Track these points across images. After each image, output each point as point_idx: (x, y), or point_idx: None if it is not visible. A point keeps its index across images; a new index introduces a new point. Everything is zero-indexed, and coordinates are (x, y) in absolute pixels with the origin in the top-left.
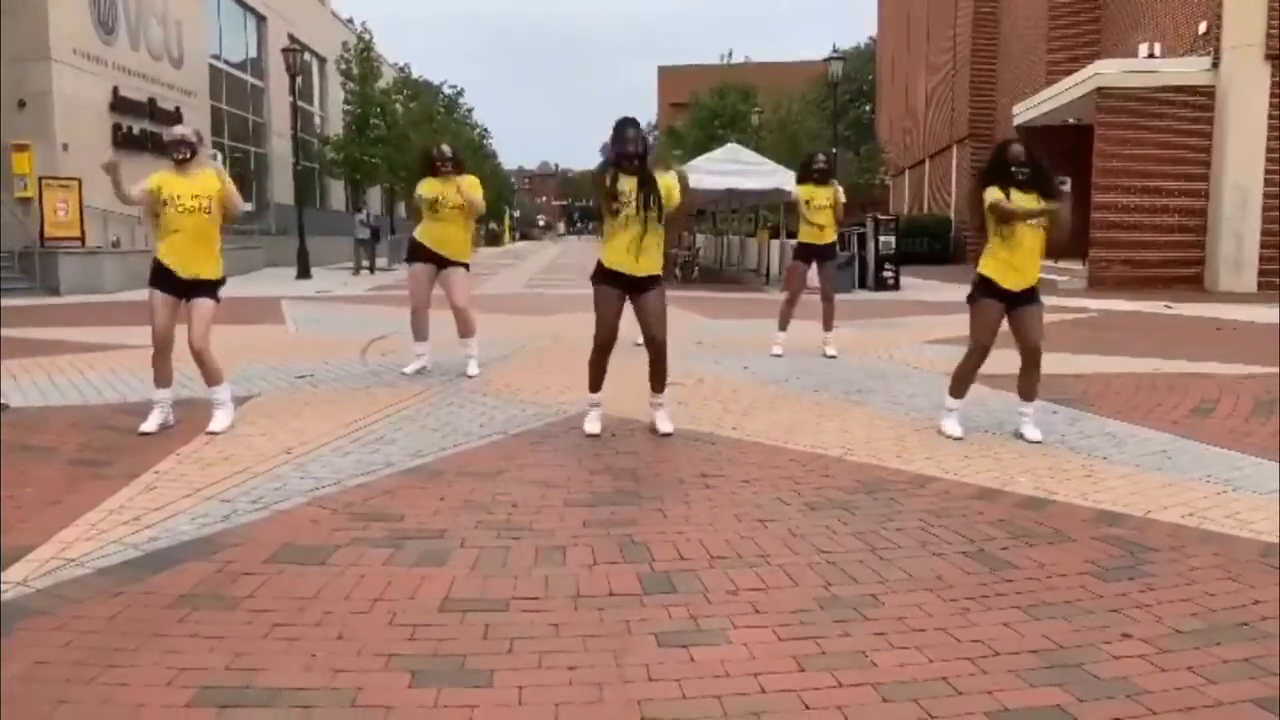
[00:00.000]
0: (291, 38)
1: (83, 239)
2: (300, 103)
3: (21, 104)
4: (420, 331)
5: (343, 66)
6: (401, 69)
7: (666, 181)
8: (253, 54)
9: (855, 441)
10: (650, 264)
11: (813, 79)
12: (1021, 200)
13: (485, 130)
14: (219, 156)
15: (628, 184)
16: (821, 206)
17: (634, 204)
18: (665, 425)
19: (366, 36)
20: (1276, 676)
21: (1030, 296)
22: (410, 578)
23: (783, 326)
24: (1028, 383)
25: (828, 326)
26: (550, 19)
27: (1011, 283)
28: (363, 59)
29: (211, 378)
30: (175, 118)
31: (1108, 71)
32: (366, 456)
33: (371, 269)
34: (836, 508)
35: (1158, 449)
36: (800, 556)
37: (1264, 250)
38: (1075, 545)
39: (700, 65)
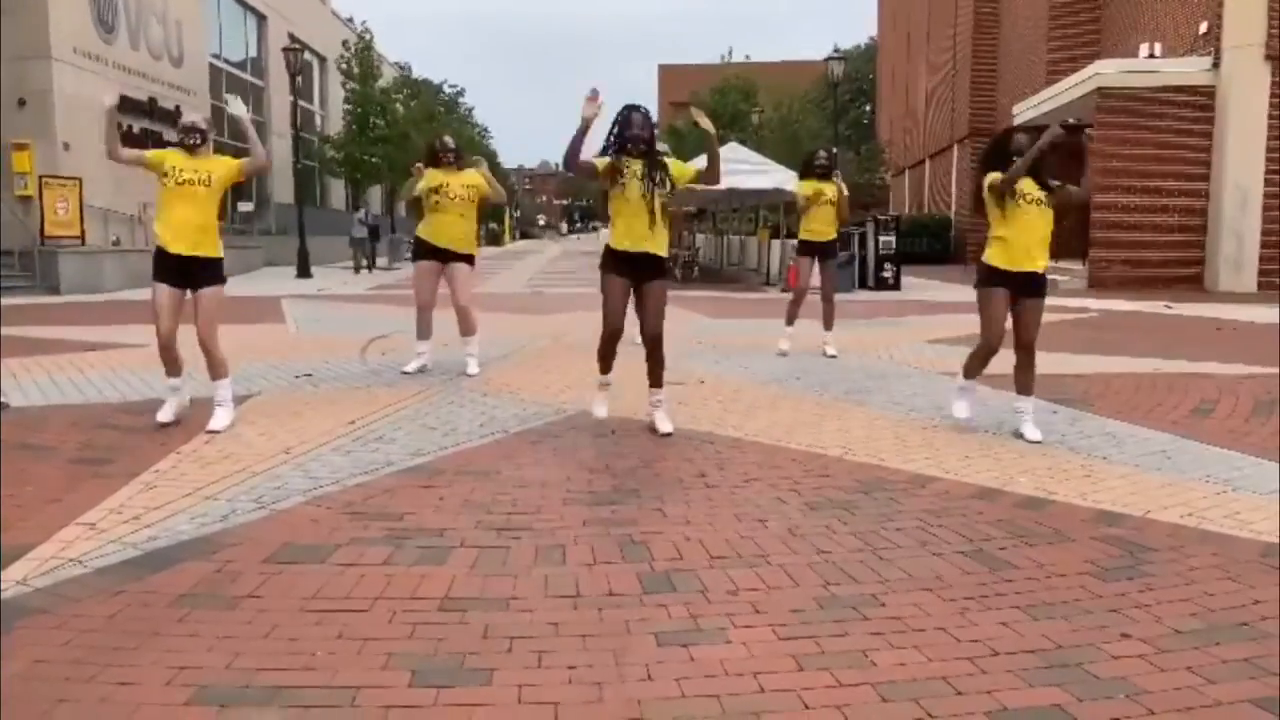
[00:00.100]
0: (292, 37)
1: (83, 238)
2: (300, 102)
3: (22, 103)
4: (423, 330)
5: (343, 66)
6: (402, 68)
7: (676, 164)
8: (253, 53)
9: (855, 441)
10: (658, 244)
11: (813, 79)
12: (1023, 184)
13: (485, 129)
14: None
15: (634, 164)
16: (824, 203)
17: (640, 184)
18: (665, 425)
19: (367, 36)
20: (1275, 676)
21: (1035, 289)
22: (410, 577)
23: (790, 322)
24: (1023, 378)
25: (828, 326)
26: (550, 19)
27: (1014, 262)
28: (363, 58)
29: (216, 370)
30: (175, 117)
31: (1108, 71)
32: (366, 456)
33: (370, 267)
34: (836, 507)
35: (1157, 449)
36: (800, 556)
37: (1264, 250)
38: (1075, 545)
39: (701, 65)
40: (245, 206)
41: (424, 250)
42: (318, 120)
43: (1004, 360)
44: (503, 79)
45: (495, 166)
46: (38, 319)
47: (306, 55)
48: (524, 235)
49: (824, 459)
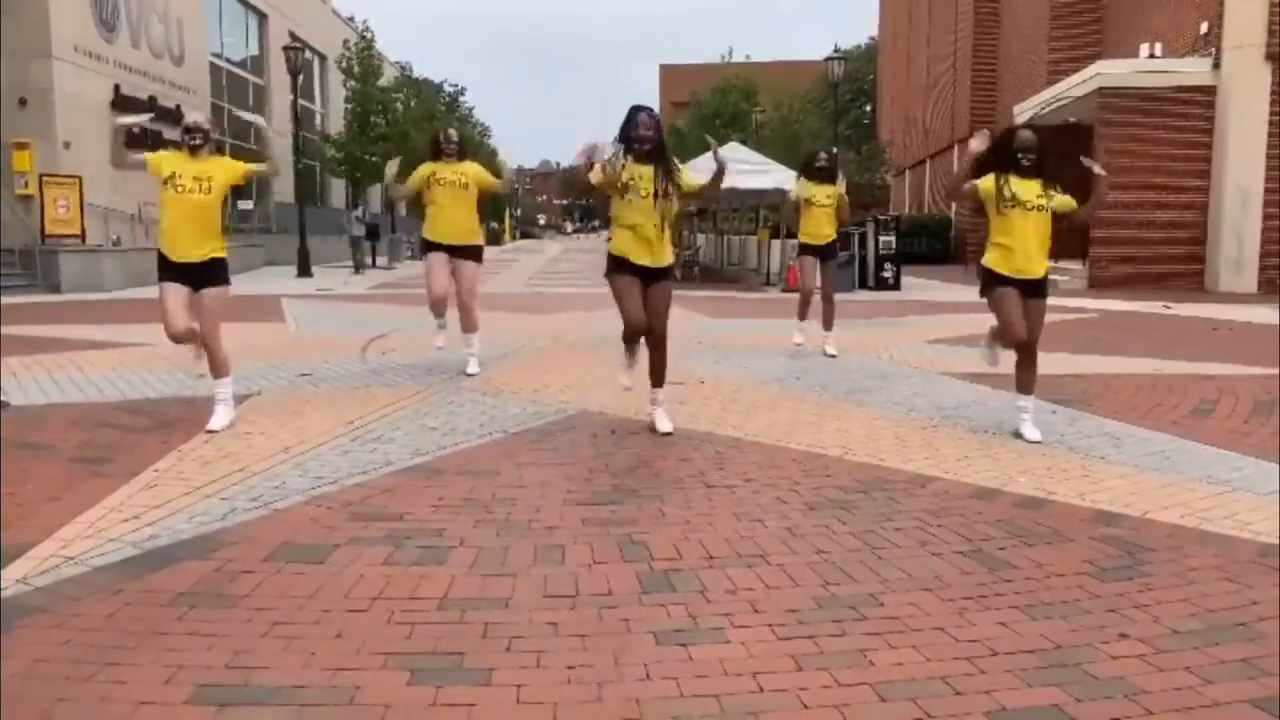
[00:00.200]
0: (293, 35)
1: (83, 236)
2: (301, 100)
3: (23, 101)
4: (439, 311)
5: (344, 64)
6: (403, 67)
7: (685, 174)
8: (254, 52)
9: (855, 441)
10: (666, 255)
11: (814, 78)
12: (1022, 189)
13: (486, 128)
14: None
15: (642, 170)
16: (823, 206)
17: (651, 198)
18: (665, 424)
19: (368, 35)
20: (1273, 677)
21: (1037, 290)
22: (409, 576)
23: (802, 317)
24: (1024, 377)
25: (828, 326)
26: (550, 18)
27: (1014, 269)
28: (364, 57)
29: (217, 370)
30: (176, 116)
31: (1109, 71)
32: (366, 455)
33: (373, 263)
34: (836, 507)
35: (1156, 449)
36: (799, 556)
37: (1264, 251)
38: (1073, 545)
39: (701, 64)
40: (245, 204)
41: (430, 245)
42: (318, 119)
43: (1004, 361)
44: (503, 79)
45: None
46: (38, 318)
47: (307, 54)
48: (524, 235)
49: (824, 459)
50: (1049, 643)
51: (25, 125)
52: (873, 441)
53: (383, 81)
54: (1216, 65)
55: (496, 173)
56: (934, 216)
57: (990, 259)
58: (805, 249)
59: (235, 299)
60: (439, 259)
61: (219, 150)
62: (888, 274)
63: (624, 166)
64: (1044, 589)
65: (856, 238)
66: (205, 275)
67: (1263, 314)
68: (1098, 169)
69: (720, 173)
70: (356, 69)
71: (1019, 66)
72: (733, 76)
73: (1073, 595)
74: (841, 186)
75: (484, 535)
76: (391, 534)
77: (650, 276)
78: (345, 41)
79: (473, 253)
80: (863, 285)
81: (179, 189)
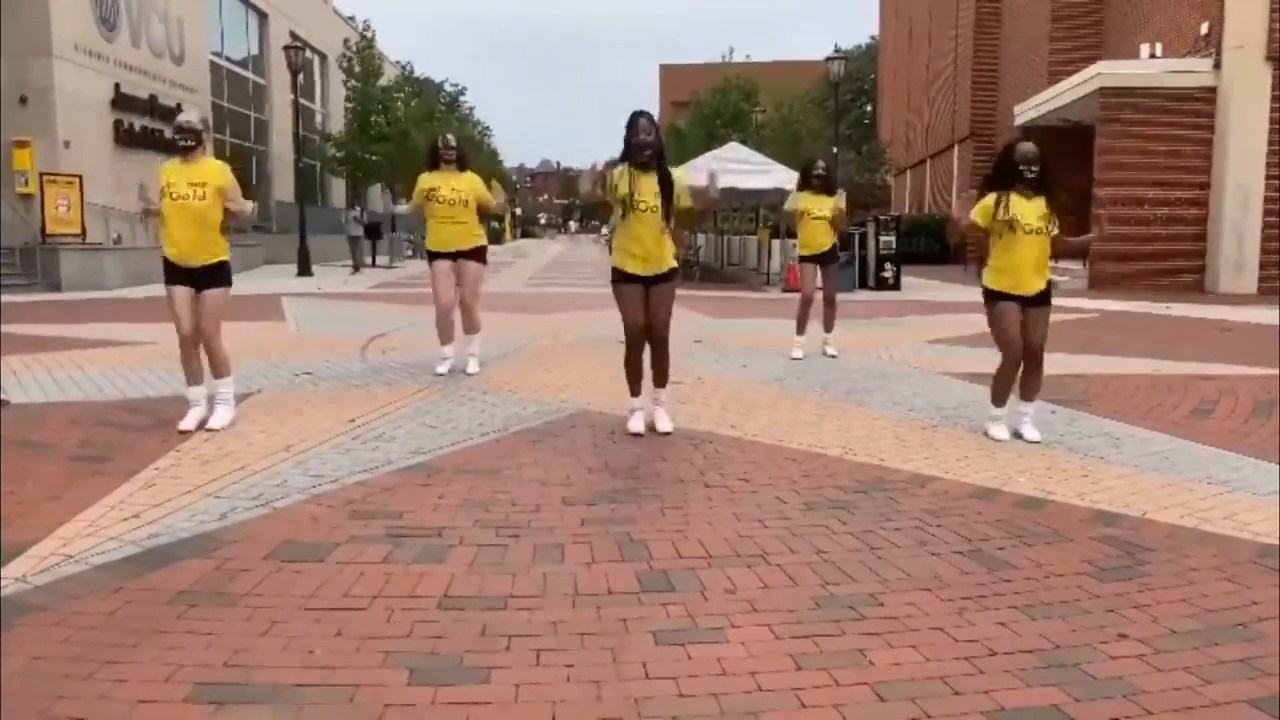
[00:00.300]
0: (293, 35)
1: (83, 235)
2: (302, 100)
3: (23, 100)
4: (445, 334)
5: (344, 64)
6: (403, 67)
7: (681, 183)
8: (254, 51)
9: (855, 441)
10: (666, 260)
11: (814, 78)
12: (1024, 207)
13: (487, 128)
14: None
15: (644, 182)
16: (820, 218)
17: (648, 205)
18: (665, 424)
19: (368, 34)
20: (1272, 677)
21: (1040, 299)
22: (409, 575)
23: (801, 330)
24: (1029, 383)
25: (828, 327)
26: (551, 18)
27: (1015, 289)
28: (364, 56)
29: (218, 369)
30: (176, 114)
31: (1110, 72)
32: (366, 454)
33: (373, 262)
34: (835, 507)
35: (1156, 449)
36: (798, 555)
37: (1265, 251)
38: (1073, 545)
39: (702, 64)
40: (246, 207)
41: (435, 255)
42: (319, 118)
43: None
44: (503, 78)
45: (498, 171)
46: (38, 316)
47: (308, 53)
48: (525, 234)
49: (823, 459)
50: (1048, 643)
51: (26, 124)
52: (872, 441)
53: (383, 81)
54: (1217, 66)
55: (495, 177)
56: (934, 216)
57: (990, 279)
58: (804, 258)
59: (236, 298)
60: (443, 268)
61: (218, 152)
62: (888, 274)
63: (621, 175)
64: (1043, 589)
65: (857, 238)
66: (207, 277)
67: (1263, 315)
68: (1104, 224)
69: (707, 202)
70: (357, 68)
71: (1019, 66)
72: (733, 76)
73: (1072, 595)
74: (840, 200)
75: (484, 534)
76: (391, 532)
77: (652, 281)
78: (346, 41)
79: (476, 254)
80: (863, 285)
81: (175, 197)
